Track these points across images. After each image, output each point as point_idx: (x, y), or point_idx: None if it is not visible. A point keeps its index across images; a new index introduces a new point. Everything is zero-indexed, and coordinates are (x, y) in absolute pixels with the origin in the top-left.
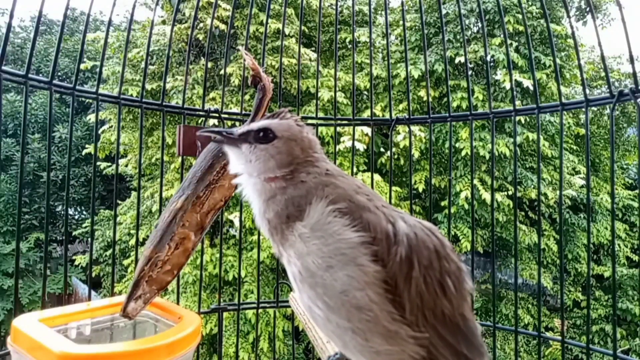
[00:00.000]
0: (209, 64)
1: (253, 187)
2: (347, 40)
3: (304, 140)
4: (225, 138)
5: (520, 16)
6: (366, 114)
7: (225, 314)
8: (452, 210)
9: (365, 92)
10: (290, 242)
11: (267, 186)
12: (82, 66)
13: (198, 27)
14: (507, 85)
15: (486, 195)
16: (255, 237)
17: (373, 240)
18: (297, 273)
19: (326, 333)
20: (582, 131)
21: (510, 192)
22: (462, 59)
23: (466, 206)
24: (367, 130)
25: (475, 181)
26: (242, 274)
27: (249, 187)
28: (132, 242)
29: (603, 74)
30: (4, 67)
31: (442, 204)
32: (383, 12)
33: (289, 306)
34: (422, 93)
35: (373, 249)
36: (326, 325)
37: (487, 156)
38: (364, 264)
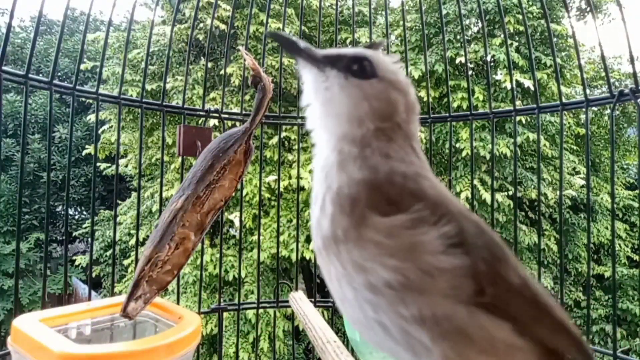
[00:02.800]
0: (209, 64)
1: (326, 134)
2: (348, 40)
3: (409, 96)
4: (303, 52)
5: (520, 16)
6: None
7: (225, 314)
8: None
9: None
10: (368, 240)
11: (348, 140)
12: (82, 66)
13: (198, 27)
14: (508, 85)
15: (486, 196)
16: (255, 237)
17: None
18: (383, 284)
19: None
20: (583, 131)
21: (510, 193)
22: (463, 59)
23: (467, 206)
24: None
25: (476, 181)
26: (242, 274)
27: (320, 136)
28: (132, 242)
29: (603, 74)
30: (4, 67)
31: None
32: (383, 12)
33: (289, 306)
34: (422, 93)
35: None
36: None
37: (488, 156)
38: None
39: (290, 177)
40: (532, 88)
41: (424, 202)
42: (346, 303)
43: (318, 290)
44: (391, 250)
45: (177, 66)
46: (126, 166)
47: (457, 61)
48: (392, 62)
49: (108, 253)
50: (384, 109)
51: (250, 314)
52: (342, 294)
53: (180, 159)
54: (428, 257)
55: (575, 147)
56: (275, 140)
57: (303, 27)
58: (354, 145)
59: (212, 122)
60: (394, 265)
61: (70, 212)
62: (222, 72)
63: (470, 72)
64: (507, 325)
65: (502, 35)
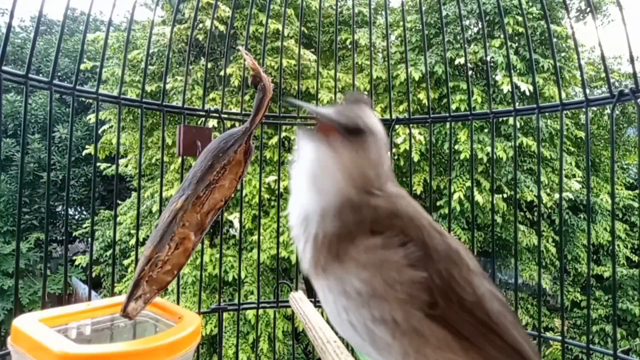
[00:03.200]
0: (209, 64)
1: (312, 190)
2: (348, 41)
3: (385, 141)
4: (322, 115)
5: (519, 17)
6: None
7: (225, 315)
8: (446, 211)
9: (365, 93)
10: (349, 257)
11: (340, 189)
12: (82, 66)
13: (198, 28)
14: (505, 88)
15: (479, 197)
16: (255, 238)
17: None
18: (354, 291)
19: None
20: (580, 134)
21: (505, 195)
22: (462, 60)
23: (458, 207)
24: None
25: (470, 183)
26: (242, 274)
27: (302, 189)
28: (132, 242)
29: (602, 75)
30: (4, 67)
31: (438, 203)
32: (383, 13)
33: (289, 306)
34: (422, 95)
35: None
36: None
37: (485, 159)
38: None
39: (290, 178)
40: (527, 92)
41: (397, 227)
42: (327, 307)
43: None
44: (364, 265)
45: (177, 66)
46: (126, 166)
47: (457, 62)
48: (374, 116)
49: (108, 253)
50: (376, 162)
51: (250, 314)
52: (325, 299)
53: (180, 159)
54: (392, 272)
55: (572, 149)
56: (275, 140)
57: (303, 28)
58: (341, 201)
59: (212, 122)
60: (364, 277)
61: (70, 212)
62: (222, 72)
63: (469, 73)
64: (457, 340)
65: (502, 36)
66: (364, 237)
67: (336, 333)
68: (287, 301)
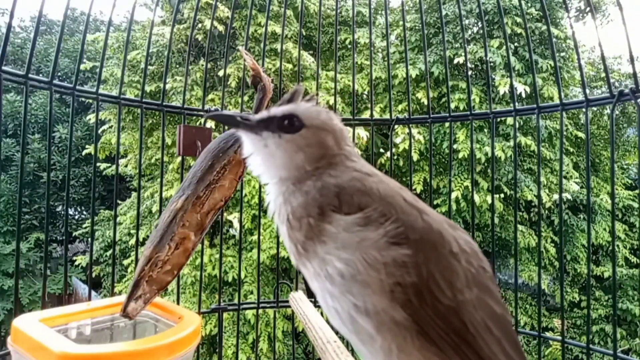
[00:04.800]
0: (209, 65)
1: (274, 182)
2: (347, 41)
3: (336, 130)
4: (240, 124)
5: (518, 18)
6: (365, 115)
7: (225, 315)
8: (443, 210)
9: (365, 94)
10: (328, 237)
11: (291, 181)
12: (82, 66)
13: (197, 28)
14: (502, 89)
15: (476, 197)
16: (255, 237)
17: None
18: (337, 274)
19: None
20: (580, 134)
21: (503, 195)
22: (461, 60)
23: (455, 207)
24: (363, 134)
25: (468, 182)
26: (242, 274)
27: (270, 183)
28: (132, 242)
29: (602, 75)
30: (4, 67)
31: (435, 202)
32: (383, 13)
33: (289, 306)
34: (421, 94)
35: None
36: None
37: (483, 158)
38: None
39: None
40: (524, 94)
41: (375, 204)
42: (316, 294)
43: None
44: (344, 243)
45: (177, 66)
46: (126, 166)
47: (456, 62)
48: (313, 107)
49: (108, 253)
50: (317, 151)
51: (250, 314)
52: (313, 287)
53: (180, 159)
54: (373, 251)
55: (572, 149)
56: None
57: (302, 29)
58: (296, 183)
59: (212, 122)
60: (345, 257)
61: (70, 212)
62: (221, 72)
63: (469, 73)
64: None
65: (502, 36)
66: (338, 214)
67: (336, 333)
68: (287, 301)
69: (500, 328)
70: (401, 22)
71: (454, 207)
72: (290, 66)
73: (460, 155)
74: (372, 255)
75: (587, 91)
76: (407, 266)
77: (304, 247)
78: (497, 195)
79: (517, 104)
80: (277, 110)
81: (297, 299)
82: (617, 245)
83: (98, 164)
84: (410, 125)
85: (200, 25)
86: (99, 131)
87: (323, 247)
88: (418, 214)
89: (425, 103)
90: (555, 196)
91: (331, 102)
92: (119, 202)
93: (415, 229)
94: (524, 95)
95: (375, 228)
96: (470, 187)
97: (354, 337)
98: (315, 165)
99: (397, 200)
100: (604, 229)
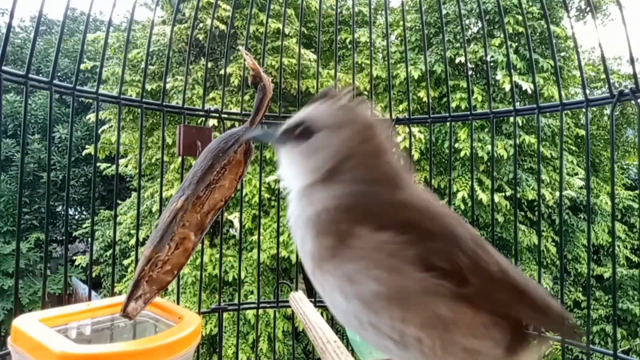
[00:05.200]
0: (209, 64)
1: (296, 190)
2: (347, 40)
3: (357, 125)
4: (273, 141)
5: (519, 17)
6: None
7: (225, 315)
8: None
9: (365, 93)
10: (355, 253)
11: (312, 189)
12: (82, 66)
13: (198, 27)
14: (506, 87)
15: (482, 196)
16: (255, 237)
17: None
18: (371, 294)
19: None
20: (582, 132)
21: (507, 193)
22: (462, 59)
23: (462, 207)
24: None
25: (471, 182)
26: (242, 274)
27: (292, 192)
28: (132, 242)
29: (602, 75)
30: (4, 67)
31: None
32: (383, 12)
33: (289, 306)
34: (422, 94)
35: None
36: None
37: (485, 157)
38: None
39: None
40: (529, 91)
41: (405, 218)
42: (339, 311)
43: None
44: (376, 263)
45: (177, 66)
46: (126, 166)
47: (457, 61)
48: (328, 107)
49: (108, 253)
50: (333, 152)
51: (250, 314)
52: (334, 304)
53: (180, 159)
54: (409, 273)
55: (574, 148)
56: None
57: (303, 28)
58: (319, 185)
59: (212, 122)
60: (379, 277)
61: (70, 212)
62: (222, 72)
63: (469, 72)
64: (484, 317)
65: (502, 36)
66: (368, 231)
67: (336, 333)
68: (287, 301)
69: (529, 279)
70: (401, 22)
71: (461, 206)
72: (293, 61)
73: (462, 154)
74: (408, 276)
75: (587, 91)
76: (450, 254)
77: (327, 259)
78: (501, 194)
79: (522, 101)
80: (293, 118)
81: (297, 299)
82: (618, 246)
83: (98, 164)
84: (411, 125)
85: (201, 24)
86: (99, 131)
87: (351, 263)
88: (451, 220)
89: (426, 102)
90: (558, 194)
91: None
92: (119, 202)
93: (445, 226)
94: (529, 92)
95: (407, 246)
96: (474, 187)
97: (395, 346)
98: (336, 164)
99: (433, 210)
100: (603, 230)
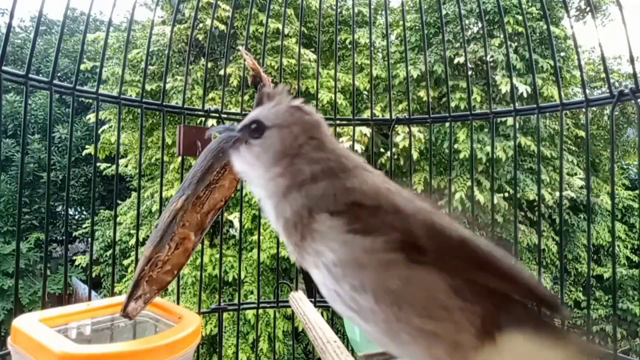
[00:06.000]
0: (209, 64)
1: (261, 189)
2: (347, 40)
3: (301, 122)
4: (227, 142)
5: (519, 17)
6: (366, 114)
7: (225, 315)
8: (445, 210)
9: (365, 93)
10: (318, 234)
11: (273, 184)
12: (82, 66)
13: (198, 28)
14: (504, 88)
15: (480, 197)
16: (255, 237)
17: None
18: (331, 263)
19: (376, 332)
20: (581, 132)
21: (506, 194)
22: (461, 60)
23: (460, 207)
24: (366, 131)
25: (471, 182)
26: (242, 274)
27: (258, 191)
28: (132, 242)
29: (602, 75)
30: (4, 67)
31: (439, 203)
32: (383, 12)
33: (289, 306)
34: (422, 93)
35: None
36: (377, 323)
37: (484, 158)
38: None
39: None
40: (525, 94)
41: (355, 202)
42: (320, 286)
43: (318, 290)
44: (332, 238)
45: (177, 66)
46: (126, 166)
47: (456, 61)
48: (278, 107)
49: (108, 253)
50: (282, 147)
51: (250, 314)
52: (314, 277)
53: (180, 159)
54: (358, 244)
55: (573, 148)
56: None
57: (303, 28)
58: (278, 181)
59: (212, 122)
60: (334, 248)
61: (70, 212)
62: (221, 72)
63: (469, 73)
64: (446, 282)
65: (502, 36)
66: (324, 217)
67: (336, 333)
68: (287, 301)
69: (497, 248)
70: (401, 22)
71: (459, 207)
72: (293, 62)
73: (462, 155)
74: (359, 242)
75: (587, 91)
76: (403, 226)
77: (302, 245)
78: (500, 195)
79: (517, 103)
80: (247, 117)
81: (297, 299)
82: (618, 246)
83: (98, 164)
84: (411, 125)
85: (200, 24)
86: (99, 131)
87: (314, 241)
88: (400, 198)
89: (426, 102)
90: (558, 194)
91: (331, 101)
92: (119, 202)
93: (408, 209)
94: (525, 95)
95: (360, 220)
96: (472, 187)
97: (357, 317)
98: (280, 163)
99: (380, 191)
100: (604, 229)
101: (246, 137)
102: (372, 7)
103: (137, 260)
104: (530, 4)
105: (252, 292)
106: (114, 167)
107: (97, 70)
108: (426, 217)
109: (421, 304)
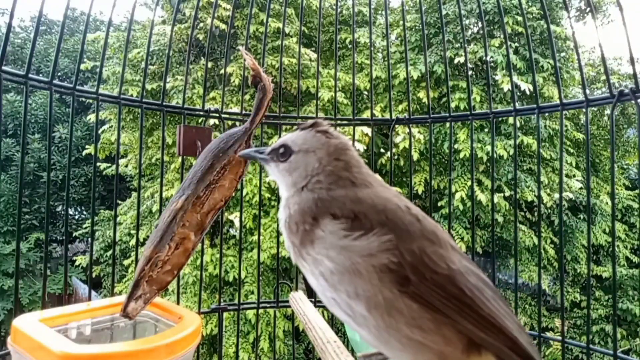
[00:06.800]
0: (209, 64)
1: (283, 198)
2: (347, 40)
3: (323, 150)
4: (259, 158)
5: (519, 17)
6: (366, 114)
7: (225, 314)
8: (446, 211)
9: (366, 92)
10: (318, 240)
11: (292, 196)
12: (82, 66)
13: (198, 27)
14: (505, 87)
15: (482, 197)
16: (255, 237)
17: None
18: (328, 271)
19: (373, 337)
20: (579, 135)
21: (506, 194)
22: (461, 60)
23: (461, 207)
24: (367, 130)
25: (471, 182)
26: (243, 274)
27: (281, 203)
28: (133, 242)
29: (602, 76)
30: (4, 67)
31: (439, 204)
32: (383, 12)
33: (289, 306)
34: (422, 94)
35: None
36: (370, 328)
37: (485, 158)
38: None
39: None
40: (528, 91)
41: (359, 212)
42: (318, 291)
43: None
44: (331, 244)
45: (177, 66)
46: (126, 166)
47: (456, 61)
48: (304, 133)
49: (108, 253)
50: (303, 170)
51: (250, 314)
52: (311, 282)
53: (180, 159)
54: (356, 256)
55: (572, 150)
56: (275, 140)
57: (303, 27)
58: (296, 197)
59: (212, 121)
60: (333, 256)
61: (70, 212)
62: (222, 71)
63: (469, 73)
64: (430, 312)
65: (502, 36)
66: (327, 221)
67: (336, 333)
68: (287, 301)
69: (491, 289)
70: (401, 22)
71: (460, 207)
72: (294, 61)
73: (462, 155)
74: (355, 259)
75: (587, 91)
76: (396, 249)
77: (300, 249)
78: (501, 195)
79: (520, 102)
80: (278, 141)
81: (297, 299)
82: (618, 246)
83: (98, 164)
84: (411, 125)
85: (201, 24)
86: (99, 131)
87: (314, 248)
88: (412, 218)
89: (426, 102)
90: (557, 195)
91: (331, 100)
92: (119, 202)
93: (410, 231)
94: (527, 92)
95: (358, 235)
96: (472, 187)
97: (351, 321)
98: (308, 181)
99: (387, 207)
100: (603, 230)
101: (274, 160)
102: (372, 7)
103: (137, 260)
104: (530, 4)
105: (252, 292)
106: (114, 167)
107: (97, 70)
108: (421, 246)
109: (411, 315)
